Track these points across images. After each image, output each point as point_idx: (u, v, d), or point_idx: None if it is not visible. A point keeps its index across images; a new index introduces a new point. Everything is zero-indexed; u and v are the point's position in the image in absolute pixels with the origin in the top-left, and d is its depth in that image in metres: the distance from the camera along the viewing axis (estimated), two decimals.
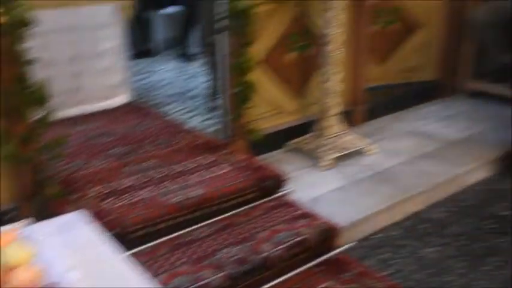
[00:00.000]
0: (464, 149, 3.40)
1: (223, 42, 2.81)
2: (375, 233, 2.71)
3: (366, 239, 2.67)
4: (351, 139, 3.27)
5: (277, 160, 3.17)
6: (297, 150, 3.28)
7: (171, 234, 2.28)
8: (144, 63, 4.88)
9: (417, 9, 3.93)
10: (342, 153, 3.17)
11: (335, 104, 3.18)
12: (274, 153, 3.29)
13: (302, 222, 2.44)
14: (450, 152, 3.36)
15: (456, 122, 3.80)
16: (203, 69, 4.06)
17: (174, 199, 2.37)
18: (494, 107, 3.99)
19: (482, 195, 3.09)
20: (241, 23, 2.68)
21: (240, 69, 2.82)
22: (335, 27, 2.99)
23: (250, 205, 2.53)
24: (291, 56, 3.27)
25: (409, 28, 3.97)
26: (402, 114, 3.95)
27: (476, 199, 3.04)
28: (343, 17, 3.05)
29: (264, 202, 2.59)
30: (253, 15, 2.71)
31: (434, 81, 4.20)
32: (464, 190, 3.13)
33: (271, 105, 3.28)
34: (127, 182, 2.50)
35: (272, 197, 2.64)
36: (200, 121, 3.44)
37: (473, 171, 3.23)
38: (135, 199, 2.36)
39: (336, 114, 3.22)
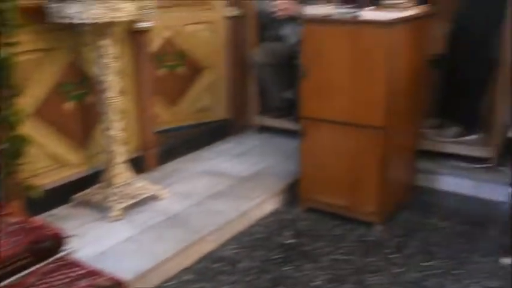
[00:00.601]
0: (254, 184, 3.54)
1: None
2: (167, 281, 2.66)
3: None
4: (142, 186, 3.21)
5: (63, 216, 2.97)
6: (85, 203, 3.11)
7: None
8: None
9: (200, 53, 4.08)
10: (132, 202, 3.08)
11: (121, 152, 3.10)
12: (59, 209, 3.08)
13: (84, 282, 2.26)
14: (241, 188, 3.47)
15: (247, 158, 3.97)
16: None
17: None
18: (282, 141, 4.24)
19: (271, 226, 3.24)
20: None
21: (7, 123, 2.60)
22: (111, 74, 2.93)
23: (21, 273, 2.29)
24: (69, 105, 3.12)
25: (195, 71, 4.10)
26: (196, 155, 4.01)
27: (266, 231, 3.17)
28: (119, 64, 3.01)
29: (41, 266, 2.36)
30: (14, 65, 2.53)
31: (225, 119, 4.37)
32: (255, 224, 3.25)
33: (51, 158, 3.07)
34: None
35: (51, 259, 2.42)
36: None
37: (262, 205, 3.37)
38: None
39: (123, 162, 3.13)
